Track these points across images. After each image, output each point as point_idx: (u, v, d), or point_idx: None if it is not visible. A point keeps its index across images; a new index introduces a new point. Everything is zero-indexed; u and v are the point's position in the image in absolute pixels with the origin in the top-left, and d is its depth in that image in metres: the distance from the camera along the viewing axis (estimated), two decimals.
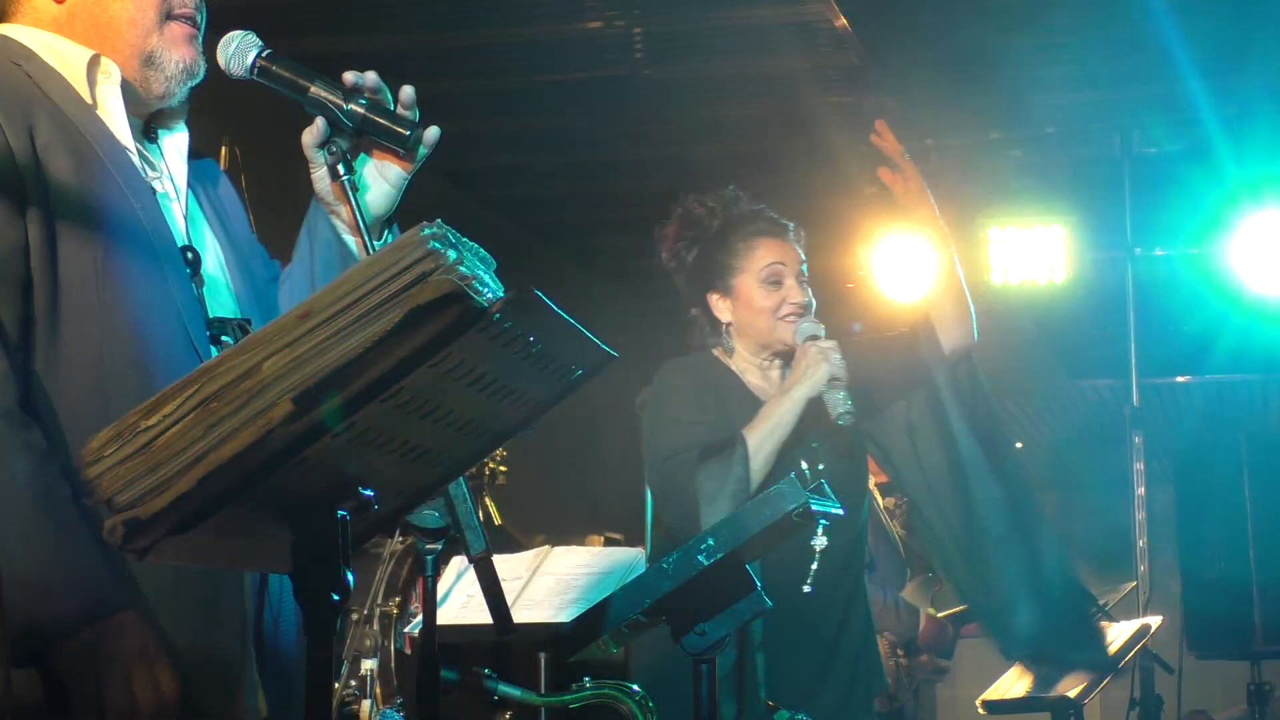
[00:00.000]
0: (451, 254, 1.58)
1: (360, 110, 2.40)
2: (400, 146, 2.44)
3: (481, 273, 1.61)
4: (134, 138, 2.38)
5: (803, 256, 3.69)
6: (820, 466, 3.54)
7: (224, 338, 2.31)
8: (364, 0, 6.81)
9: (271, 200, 5.91)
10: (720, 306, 3.68)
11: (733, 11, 6.88)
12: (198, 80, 2.44)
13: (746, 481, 3.47)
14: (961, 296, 3.69)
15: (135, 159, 2.35)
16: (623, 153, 8.59)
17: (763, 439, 3.50)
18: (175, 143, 2.46)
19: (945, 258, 3.69)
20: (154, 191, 2.36)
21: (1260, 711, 6.94)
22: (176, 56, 2.40)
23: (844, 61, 7.34)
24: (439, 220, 1.63)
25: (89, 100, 2.33)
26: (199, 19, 2.45)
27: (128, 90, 2.37)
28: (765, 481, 3.50)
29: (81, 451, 1.61)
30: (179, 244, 2.34)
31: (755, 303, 3.63)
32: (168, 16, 2.40)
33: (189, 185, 2.45)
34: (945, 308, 3.68)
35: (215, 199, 2.52)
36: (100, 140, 2.31)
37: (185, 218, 2.41)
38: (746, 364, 3.66)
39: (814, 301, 3.67)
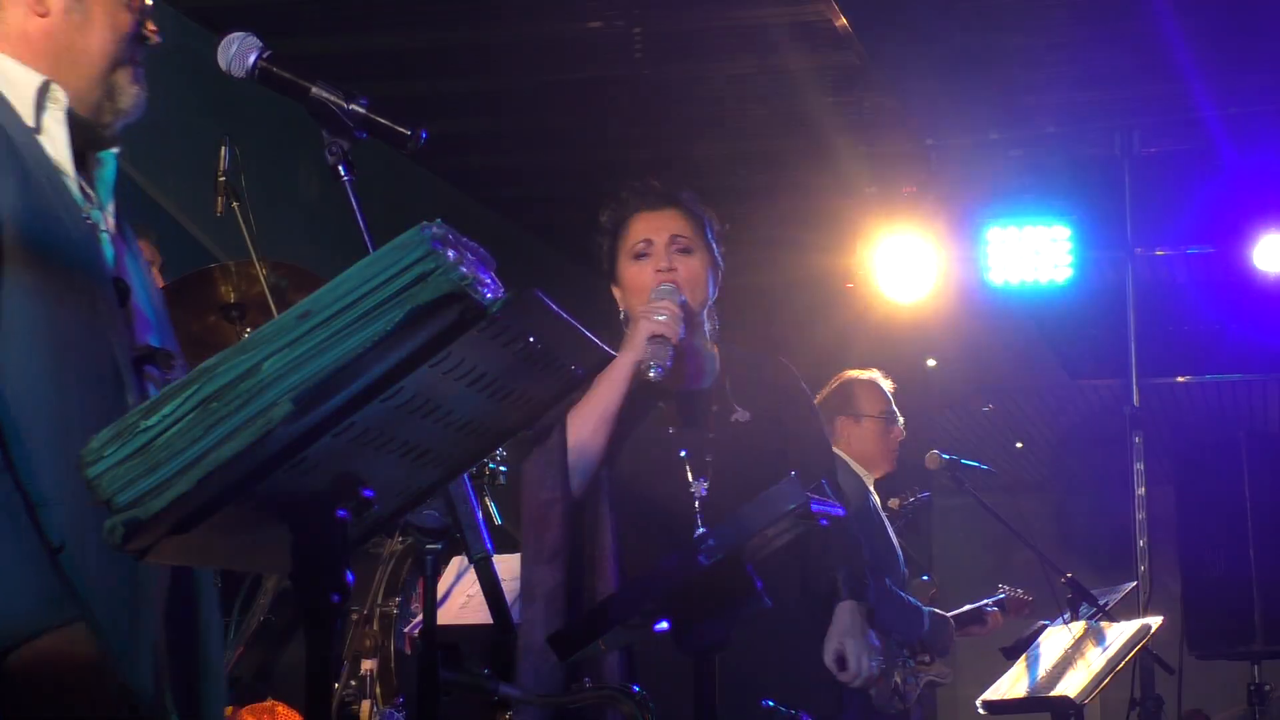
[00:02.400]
0: (451, 254, 1.58)
1: (361, 110, 2.40)
2: (401, 147, 2.43)
3: (481, 273, 1.61)
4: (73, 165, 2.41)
5: (682, 226, 3.46)
6: (707, 458, 3.38)
7: (148, 367, 2.34)
8: (364, 0, 6.82)
9: (272, 200, 5.93)
10: (617, 297, 3.53)
11: (733, 11, 6.89)
12: (136, 117, 2.49)
13: (564, 460, 3.29)
14: None
15: (75, 187, 2.38)
16: (623, 153, 8.59)
17: (586, 413, 3.31)
18: (105, 174, 2.49)
19: None
20: (89, 221, 2.38)
21: (1260, 711, 6.94)
22: (134, 92, 2.46)
23: (844, 61, 7.35)
24: (439, 220, 1.63)
25: (30, 124, 2.36)
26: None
27: (72, 117, 2.40)
28: (623, 462, 3.35)
29: (81, 451, 1.61)
30: (111, 275, 2.37)
31: (628, 282, 3.46)
32: (127, 62, 2.45)
33: (115, 218, 2.48)
34: None
35: (129, 233, 2.54)
36: (43, 165, 2.34)
37: (113, 246, 2.43)
38: None
39: (702, 269, 3.44)
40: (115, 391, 2.27)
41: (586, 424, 3.32)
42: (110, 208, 2.46)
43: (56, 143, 2.38)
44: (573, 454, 3.31)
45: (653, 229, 3.46)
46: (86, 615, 2.18)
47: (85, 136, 2.44)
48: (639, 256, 3.46)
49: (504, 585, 2.57)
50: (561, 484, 3.30)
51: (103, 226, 2.41)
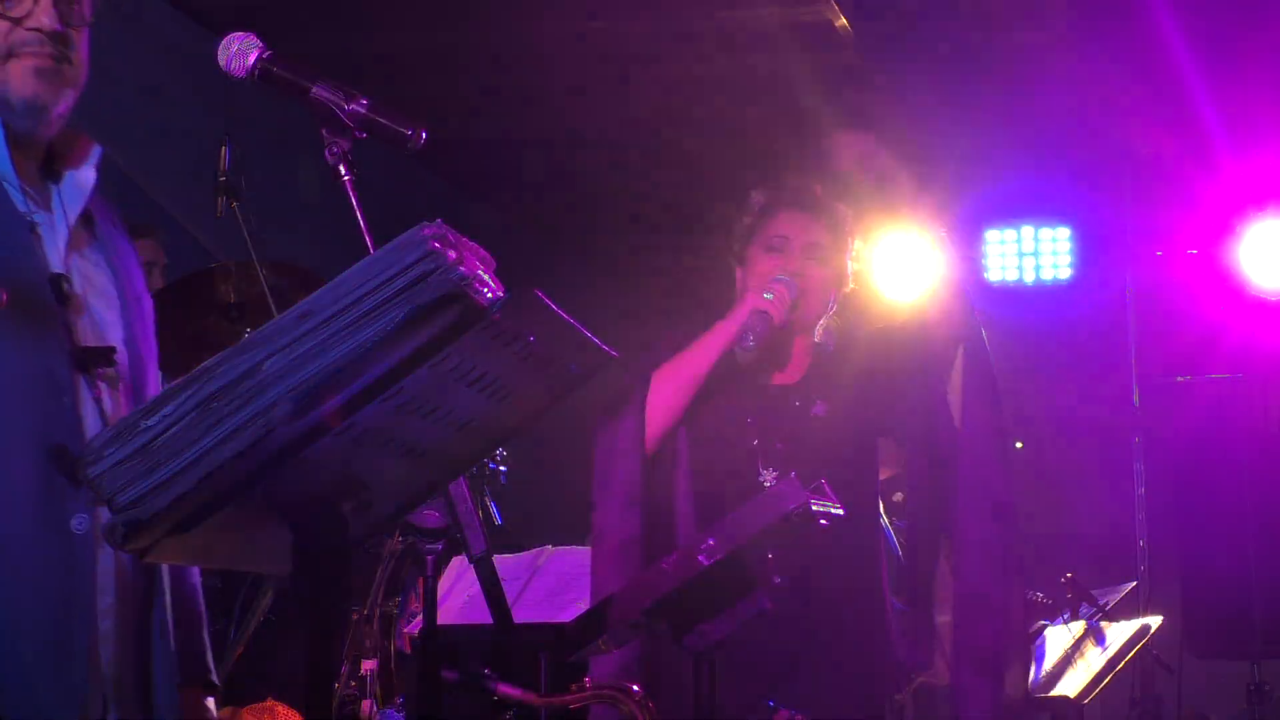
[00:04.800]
0: (451, 254, 1.58)
1: (361, 111, 2.39)
2: (401, 147, 2.43)
3: (481, 273, 1.61)
4: (21, 171, 2.38)
5: (822, 236, 3.53)
6: (778, 445, 3.42)
7: (97, 367, 2.33)
8: (364, 0, 6.82)
9: (272, 200, 5.93)
10: (738, 277, 3.58)
11: (732, 11, 6.89)
12: (64, 107, 2.44)
13: (640, 419, 3.35)
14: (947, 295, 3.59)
15: (14, 192, 2.36)
16: (622, 153, 8.58)
17: (671, 373, 3.38)
18: (79, 181, 2.47)
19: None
20: (29, 222, 2.36)
21: (1260, 711, 6.94)
22: (21, 96, 2.38)
23: (844, 61, 7.34)
24: (439, 220, 1.63)
25: None
26: (57, 48, 2.41)
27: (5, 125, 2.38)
28: (701, 434, 3.40)
29: (81, 450, 1.61)
30: (50, 273, 2.35)
31: (754, 268, 3.51)
32: (8, 56, 2.39)
33: (93, 225, 2.47)
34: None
35: (116, 244, 2.53)
36: None
37: (68, 247, 2.41)
38: None
39: (827, 282, 3.50)
40: (51, 394, 2.26)
41: (670, 383, 3.39)
42: (76, 210, 2.44)
43: None
44: (650, 408, 3.37)
45: (794, 229, 3.53)
46: None
47: (35, 147, 2.43)
48: (771, 249, 3.51)
49: (504, 585, 2.57)
50: (638, 436, 3.36)
51: (55, 227, 2.40)
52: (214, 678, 2.61)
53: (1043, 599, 6.74)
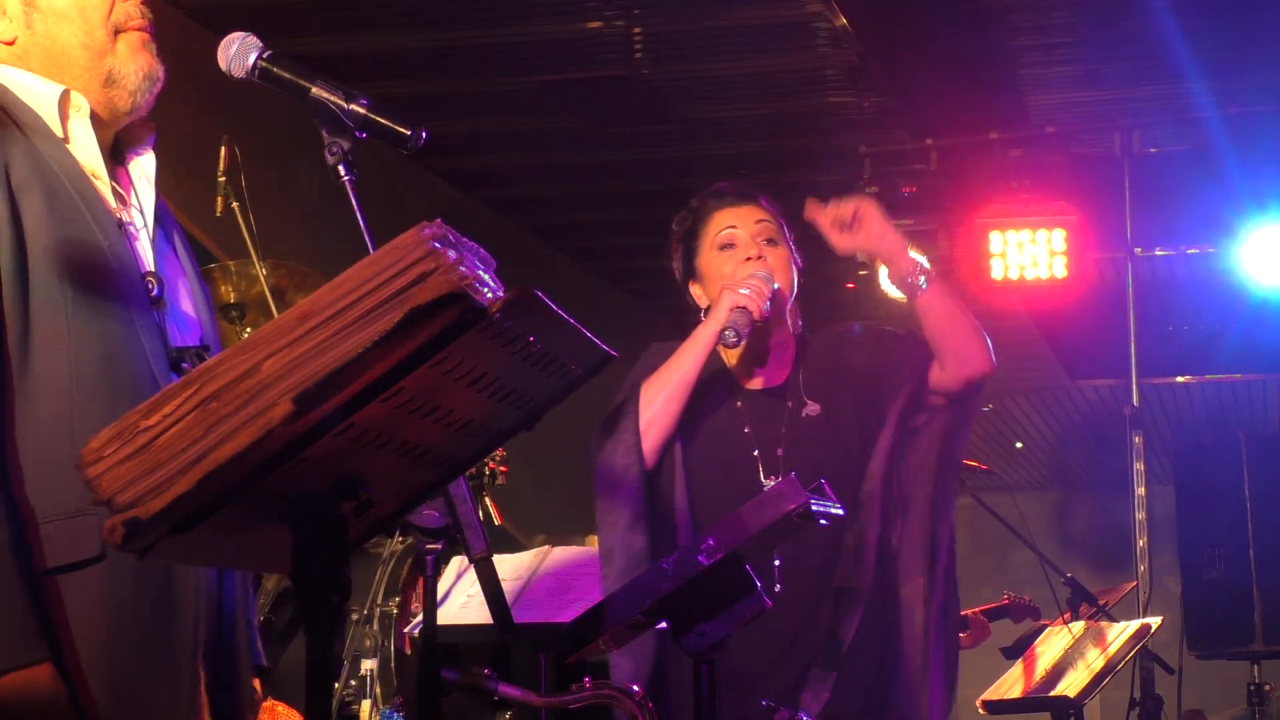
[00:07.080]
0: (451, 254, 1.58)
1: (361, 110, 2.39)
2: (401, 147, 2.43)
3: (481, 273, 1.61)
4: (105, 167, 2.42)
5: (765, 217, 3.47)
6: (779, 452, 3.40)
7: (184, 364, 2.34)
8: (364, 0, 6.82)
9: (272, 200, 5.93)
10: (697, 294, 3.52)
11: (733, 11, 6.89)
12: (159, 85, 2.48)
13: (635, 434, 3.33)
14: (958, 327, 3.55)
15: (106, 191, 2.39)
16: (623, 153, 8.59)
17: (660, 382, 3.35)
18: (143, 168, 2.50)
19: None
20: (120, 223, 2.39)
21: (1260, 711, 6.94)
22: (134, 68, 2.45)
23: (844, 61, 7.35)
24: (439, 220, 1.63)
25: (60, 134, 2.38)
26: (148, 16, 2.47)
27: (94, 117, 2.42)
28: (697, 450, 3.39)
29: (82, 451, 1.61)
30: (142, 272, 2.38)
31: (712, 272, 3.45)
32: (117, 32, 2.44)
33: (160, 218, 2.49)
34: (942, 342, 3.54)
35: (172, 228, 2.56)
36: (71, 175, 2.35)
37: (152, 245, 2.44)
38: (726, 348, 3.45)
39: (788, 260, 3.44)
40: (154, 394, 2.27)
41: (660, 392, 3.36)
42: (151, 203, 2.46)
43: (86, 149, 2.39)
44: (644, 421, 3.35)
45: (738, 220, 3.48)
46: (57, 656, 2.13)
47: (109, 133, 2.45)
48: (725, 247, 3.47)
49: (504, 585, 2.57)
50: (635, 452, 3.34)
51: (139, 225, 2.42)
52: None
53: (1029, 601, 6.74)
